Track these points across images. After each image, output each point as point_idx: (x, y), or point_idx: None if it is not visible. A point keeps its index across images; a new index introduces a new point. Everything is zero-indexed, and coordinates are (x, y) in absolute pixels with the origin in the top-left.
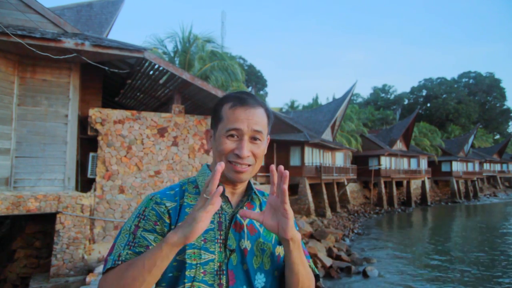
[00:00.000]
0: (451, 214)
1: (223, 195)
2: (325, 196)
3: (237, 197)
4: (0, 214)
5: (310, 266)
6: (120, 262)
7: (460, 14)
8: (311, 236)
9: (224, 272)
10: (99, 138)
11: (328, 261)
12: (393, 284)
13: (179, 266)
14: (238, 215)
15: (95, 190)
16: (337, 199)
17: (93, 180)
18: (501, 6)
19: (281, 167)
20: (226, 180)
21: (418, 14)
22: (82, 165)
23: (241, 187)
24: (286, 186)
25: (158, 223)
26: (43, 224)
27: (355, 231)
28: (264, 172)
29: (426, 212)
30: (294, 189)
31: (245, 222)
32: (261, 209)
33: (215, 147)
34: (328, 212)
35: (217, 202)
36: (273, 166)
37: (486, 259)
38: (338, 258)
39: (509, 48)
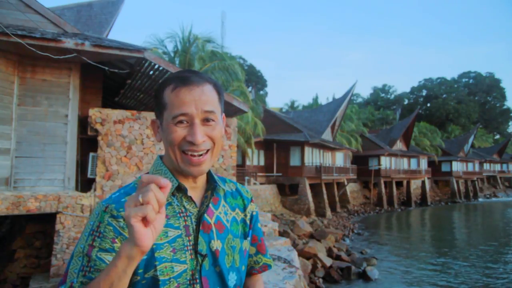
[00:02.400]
0: (451, 214)
1: (186, 195)
2: (325, 196)
3: (199, 192)
4: (0, 214)
5: (265, 260)
6: None
7: (460, 14)
8: (311, 236)
9: (198, 280)
10: (99, 138)
11: (328, 261)
12: (393, 284)
13: (149, 284)
14: (205, 215)
15: (95, 190)
16: (337, 199)
17: (93, 180)
18: (501, 6)
19: None
20: (183, 175)
21: (418, 14)
22: (82, 165)
23: (201, 179)
24: None
25: (116, 240)
26: (43, 224)
27: (355, 231)
28: (264, 172)
29: (426, 212)
30: (294, 189)
31: (212, 221)
32: (225, 200)
33: (165, 138)
34: (328, 212)
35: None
36: None
37: (486, 259)
38: (338, 258)
39: (509, 48)
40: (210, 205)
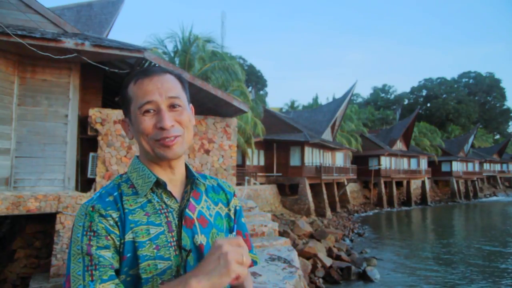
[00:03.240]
0: (451, 214)
1: (165, 190)
2: (325, 196)
3: (179, 187)
4: (0, 214)
5: (251, 255)
6: None
7: (460, 14)
8: (311, 236)
9: None
10: (99, 138)
11: (328, 261)
12: (393, 284)
13: (133, 281)
14: (186, 210)
15: (95, 190)
16: (337, 199)
17: (93, 180)
18: (501, 6)
19: None
20: (160, 166)
21: (418, 14)
22: (82, 165)
23: (179, 170)
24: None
25: (109, 237)
26: (43, 224)
27: (355, 231)
28: (264, 172)
29: (426, 212)
30: (294, 189)
31: (195, 215)
32: (207, 195)
33: (135, 132)
34: (328, 212)
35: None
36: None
37: (487, 259)
38: (338, 258)
39: (509, 48)
40: (191, 200)
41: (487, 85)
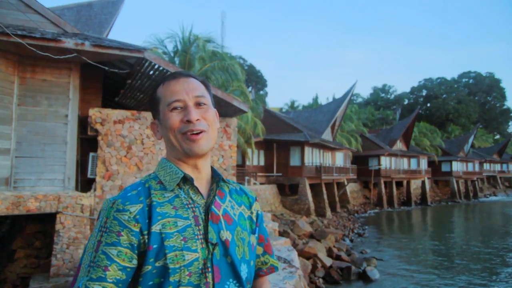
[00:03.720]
0: (451, 214)
1: (192, 186)
2: (325, 196)
3: (205, 185)
4: (0, 214)
5: (272, 261)
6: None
7: (460, 14)
8: (311, 236)
9: (210, 269)
10: (99, 138)
11: (328, 261)
12: (393, 284)
13: (160, 272)
14: (212, 206)
15: (95, 190)
16: (337, 199)
17: (93, 180)
18: (501, 6)
19: None
20: (187, 164)
21: (418, 14)
22: (82, 165)
23: (205, 169)
24: None
25: (122, 233)
26: (43, 224)
27: (355, 231)
28: (264, 172)
29: (426, 212)
30: (294, 189)
31: (220, 212)
32: (231, 196)
33: (164, 129)
34: (328, 212)
35: None
36: None
37: (487, 259)
38: (338, 258)
39: (509, 48)
40: (217, 198)
41: (487, 85)
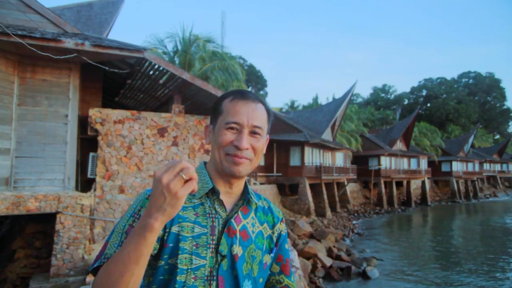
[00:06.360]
0: (451, 214)
1: (218, 198)
2: (325, 196)
3: (232, 199)
4: (0, 214)
5: (287, 281)
6: (106, 260)
7: (460, 14)
8: (311, 236)
9: (215, 277)
10: (99, 138)
11: (328, 261)
12: (393, 284)
13: (170, 270)
14: (232, 220)
15: (95, 190)
16: (337, 199)
17: (93, 180)
18: (501, 6)
19: None
20: (222, 178)
21: (418, 14)
22: (82, 165)
23: (237, 187)
24: None
25: None
26: (43, 224)
27: (355, 231)
28: (264, 172)
29: (426, 212)
30: (294, 189)
31: (238, 228)
32: (255, 214)
33: (214, 140)
34: (328, 212)
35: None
36: None
37: (487, 260)
38: (338, 258)
39: (509, 48)
40: (239, 213)
41: (487, 85)
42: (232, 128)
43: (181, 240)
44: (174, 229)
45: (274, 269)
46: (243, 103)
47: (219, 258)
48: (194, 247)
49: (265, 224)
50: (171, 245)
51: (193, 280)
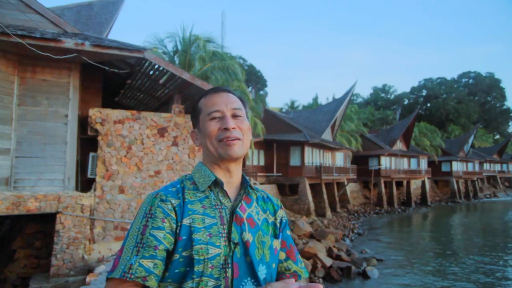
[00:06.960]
0: (451, 214)
1: (221, 189)
2: (325, 196)
3: (233, 190)
4: (0, 214)
5: (295, 268)
6: (130, 276)
7: (460, 14)
8: (311, 236)
9: (230, 265)
10: (99, 138)
11: (328, 261)
12: (393, 284)
13: (186, 262)
14: (238, 209)
15: (95, 190)
16: (337, 199)
17: (93, 180)
18: (501, 6)
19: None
20: (221, 168)
21: (418, 14)
22: (82, 165)
23: (237, 175)
24: None
25: (165, 220)
26: (43, 224)
27: (355, 231)
28: (264, 172)
29: (426, 212)
30: (294, 189)
31: (245, 216)
32: (257, 203)
33: (203, 136)
34: (328, 212)
35: None
36: None
37: (487, 260)
38: (338, 258)
39: (509, 48)
40: (243, 202)
41: (487, 85)
42: (215, 118)
43: (193, 231)
44: (186, 221)
45: (280, 256)
46: (217, 95)
47: (232, 246)
48: (208, 237)
49: (268, 212)
50: (184, 237)
51: (210, 269)
